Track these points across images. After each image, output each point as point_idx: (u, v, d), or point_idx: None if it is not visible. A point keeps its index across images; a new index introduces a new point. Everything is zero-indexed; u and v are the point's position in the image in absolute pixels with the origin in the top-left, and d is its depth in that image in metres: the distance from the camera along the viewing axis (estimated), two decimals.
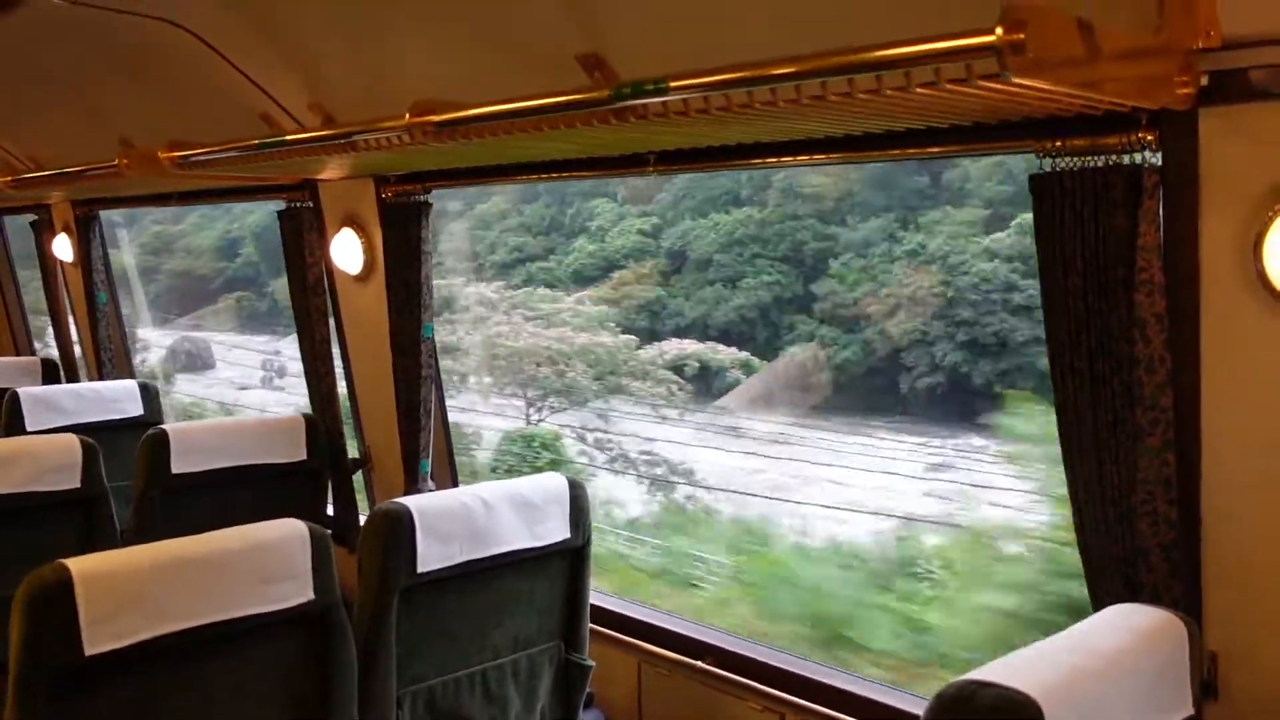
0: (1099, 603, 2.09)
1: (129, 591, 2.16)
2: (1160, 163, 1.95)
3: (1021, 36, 1.40)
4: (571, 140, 2.55)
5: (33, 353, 7.23)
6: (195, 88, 3.79)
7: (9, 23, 3.72)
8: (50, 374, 5.93)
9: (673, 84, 1.83)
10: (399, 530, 2.60)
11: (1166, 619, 1.86)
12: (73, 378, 6.35)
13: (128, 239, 6.85)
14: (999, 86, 1.55)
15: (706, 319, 11.68)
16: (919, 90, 1.61)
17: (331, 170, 3.66)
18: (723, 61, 1.78)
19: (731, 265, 11.68)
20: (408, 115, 2.40)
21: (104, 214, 5.86)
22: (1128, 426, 2.02)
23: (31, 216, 6.39)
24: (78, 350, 6.33)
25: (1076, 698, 1.59)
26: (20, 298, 7.40)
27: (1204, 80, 1.82)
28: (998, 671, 1.59)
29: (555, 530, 2.86)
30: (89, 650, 2.10)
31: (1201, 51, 1.79)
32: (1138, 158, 1.97)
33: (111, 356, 5.91)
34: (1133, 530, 2.04)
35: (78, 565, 2.13)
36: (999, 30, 1.41)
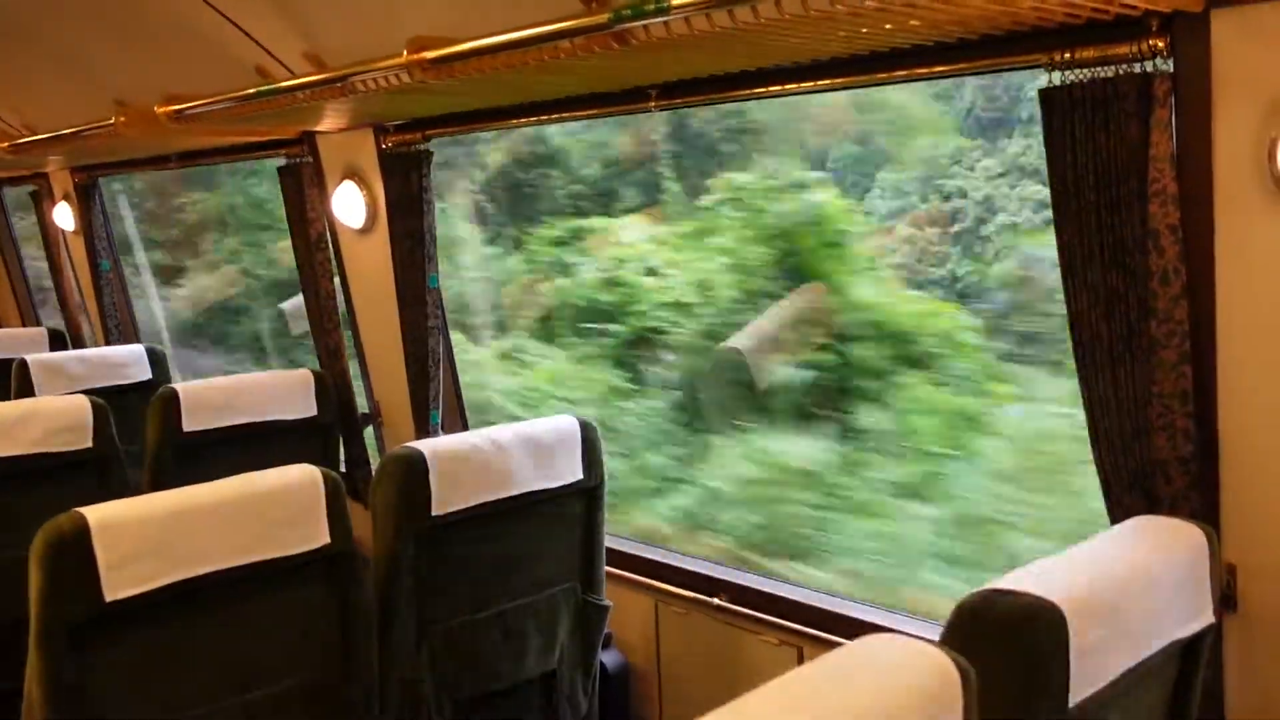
0: (1116, 518, 2.09)
1: (147, 537, 2.17)
2: (1172, 69, 1.92)
3: None
4: (571, 74, 2.51)
5: (39, 323, 7.23)
6: (188, 43, 3.74)
7: None
8: (57, 344, 5.93)
9: (674, 2, 1.79)
10: (413, 474, 2.60)
11: (1186, 529, 1.85)
12: (79, 347, 6.35)
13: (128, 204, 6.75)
14: None
15: None
16: None
17: (330, 120, 3.62)
18: None
19: None
20: (405, 53, 2.37)
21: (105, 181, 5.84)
22: (1143, 340, 2.01)
23: (31, 187, 6.37)
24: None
25: (1098, 604, 1.59)
26: (23, 269, 7.39)
27: None
28: (1018, 580, 1.59)
29: (568, 471, 2.87)
30: (109, 596, 2.11)
31: None
32: (1148, 66, 1.93)
33: (118, 323, 5.91)
34: (1149, 444, 2.03)
35: (94, 513, 2.14)
36: None
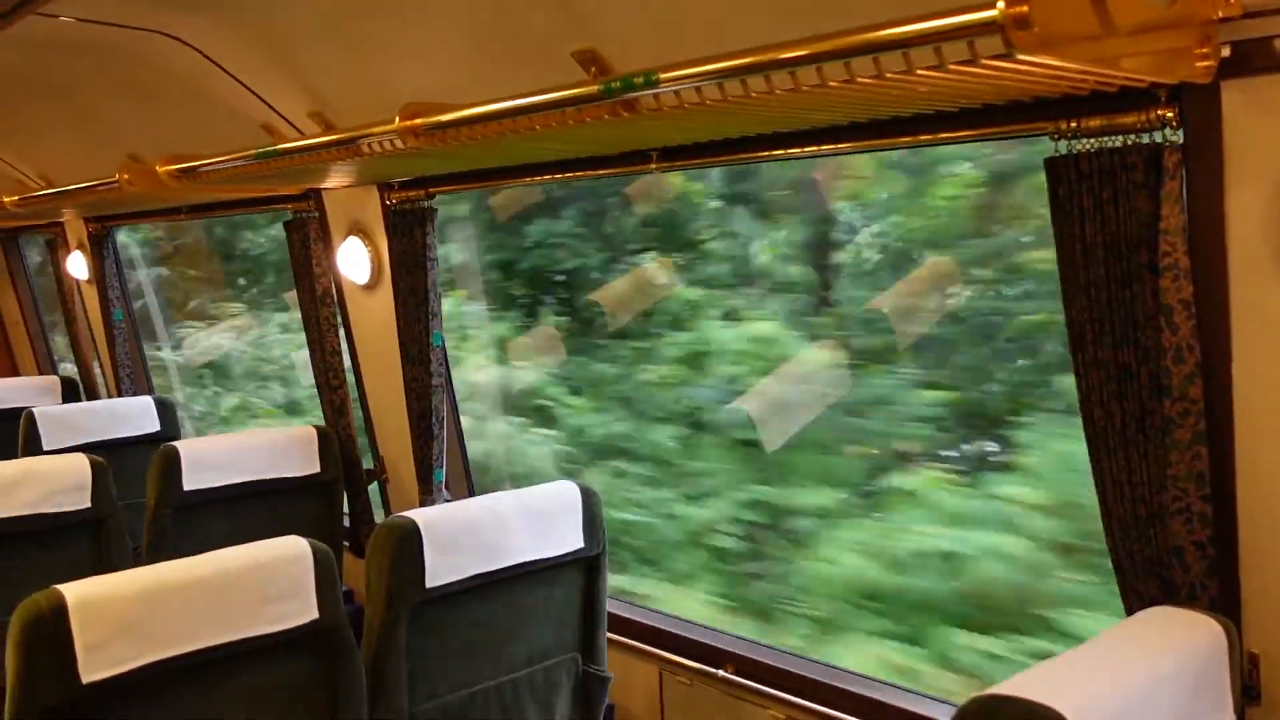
0: (1131, 606, 2.00)
1: (126, 616, 2.11)
2: (1182, 140, 1.85)
3: (1025, 10, 1.30)
4: (569, 139, 2.47)
5: (54, 371, 7.26)
6: (199, 101, 3.75)
7: (16, 42, 3.70)
8: (70, 393, 5.94)
9: (663, 76, 1.75)
10: (406, 545, 2.54)
11: (1203, 623, 1.76)
12: (93, 395, 6.37)
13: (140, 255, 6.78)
14: (1005, 65, 1.46)
15: None
16: (921, 73, 1.52)
17: (334, 179, 3.61)
18: (724, 51, 1.70)
19: None
20: (398, 119, 2.34)
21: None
22: (1156, 419, 1.92)
23: (48, 235, 6.42)
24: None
25: (1107, 711, 1.50)
26: (40, 317, 7.43)
27: (1225, 51, 1.72)
28: (1023, 685, 1.51)
29: (569, 540, 2.79)
30: (86, 678, 2.05)
31: (1222, 21, 1.68)
32: (1158, 136, 1.87)
33: (130, 373, 5.91)
34: (1165, 529, 1.93)
35: (72, 591, 2.08)
36: (1001, 4, 1.32)
